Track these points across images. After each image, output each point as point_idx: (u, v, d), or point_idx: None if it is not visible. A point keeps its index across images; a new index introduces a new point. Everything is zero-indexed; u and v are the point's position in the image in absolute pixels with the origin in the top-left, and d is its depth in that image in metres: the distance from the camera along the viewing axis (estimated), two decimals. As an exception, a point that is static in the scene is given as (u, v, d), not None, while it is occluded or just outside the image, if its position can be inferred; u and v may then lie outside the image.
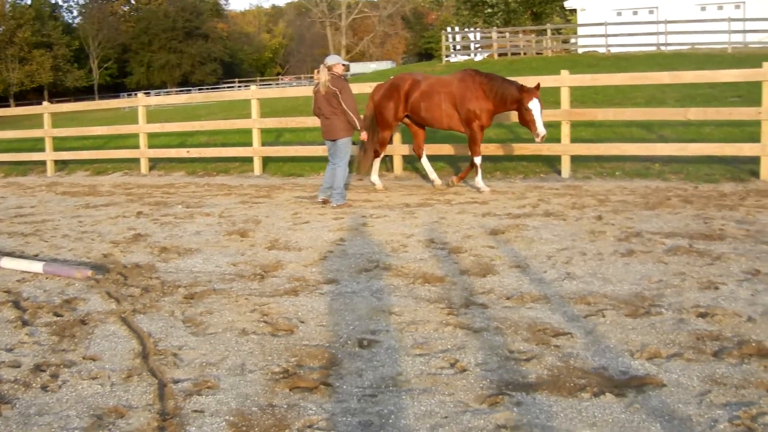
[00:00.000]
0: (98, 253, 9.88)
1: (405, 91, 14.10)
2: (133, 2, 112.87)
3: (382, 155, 14.87)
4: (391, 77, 15.06)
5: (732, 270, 7.72)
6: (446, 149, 15.94)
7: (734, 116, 14.65)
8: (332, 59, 13.33)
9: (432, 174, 14.63)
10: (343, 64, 13.47)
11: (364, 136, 13.74)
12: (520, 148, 15.14)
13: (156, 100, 26.15)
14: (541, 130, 12.70)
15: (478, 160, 13.69)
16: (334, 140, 13.14)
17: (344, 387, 5.18)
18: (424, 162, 14.69)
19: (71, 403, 5.09)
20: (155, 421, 4.76)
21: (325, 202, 13.16)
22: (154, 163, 20.72)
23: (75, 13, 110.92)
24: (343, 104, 12.89)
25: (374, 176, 14.80)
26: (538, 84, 12.99)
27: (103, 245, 10.44)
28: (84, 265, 8.98)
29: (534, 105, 12.70)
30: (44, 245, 10.67)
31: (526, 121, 12.93)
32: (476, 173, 13.77)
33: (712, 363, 5.31)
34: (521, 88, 12.90)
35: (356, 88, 18.60)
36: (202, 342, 6.22)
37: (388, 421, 4.65)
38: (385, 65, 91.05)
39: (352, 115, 12.91)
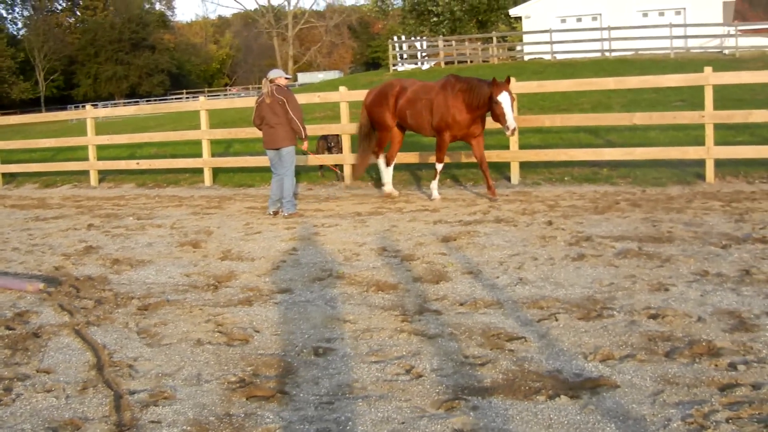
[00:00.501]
0: (50, 266, 9.82)
1: (394, 97, 14.06)
2: (78, 14, 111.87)
3: (393, 163, 14.82)
4: (383, 82, 15.16)
5: (681, 271, 7.86)
6: (410, 158, 15.98)
7: (678, 120, 14.89)
8: (274, 73, 13.35)
9: (387, 181, 14.72)
10: (286, 77, 13.45)
11: (305, 146, 13.78)
12: (469, 155, 15.24)
13: (104, 111, 25.90)
14: (511, 123, 12.53)
15: (439, 166, 13.79)
16: (277, 149, 13.10)
17: (301, 395, 5.21)
18: (389, 169, 14.69)
19: (26, 417, 5.07)
20: (112, 433, 4.76)
21: (275, 214, 13.13)
22: (104, 176, 20.56)
23: (20, 24, 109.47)
24: (290, 112, 12.90)
25: (388, 186, 14.73)
26: (509, 77, 12.99)
27: (54, 258, 10.38)
28: (35, 278, 8.92)
29: (504, 98, 12.47)
30: (-6, 259, 10.58)
31: (496, 115, 12.66)
32: (434, 178, 13.85)
33: (664, 363, 5.41)
34: (491, 83, 12.69)
35: (303, 98, 18.69)
36: (157, 353, 6.22)
37: (345, 428, 4.68)
38: (332, 75, 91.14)
39: (298, 122, 12.95)
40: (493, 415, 4.73)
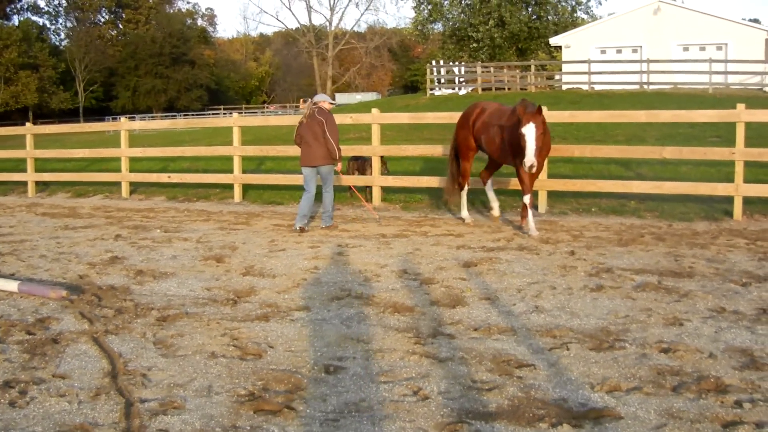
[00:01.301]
0: (74, 274, 9.96)
1: (472, 120, 13.53)
2: (120, 27, 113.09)
3: (466, 189, 14.17)
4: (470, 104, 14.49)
5: (698, 307, 7.85)
6: (432, 182, 16.00)
7: (709, 156, 14.85)
8: (319, 97, 13.86)
9: (493, 206, 13.98)
10: (330, 102, 13.93)
11: (339, 167, 14.06)
12: (498, 183, 15.27)
13: (139, 124, 26.21)
14: (529, 159, 11.69)
15: (526, 198, 12.73)
16: (314, 167, 13.48)
17: (308, 411, 5.27)
18: (488, 192, 14.13)
19: (38, 420, 5.17)
20: (120, 439, 4.85)
21: (302, 230, 13.34)
22: (135, 187, 20.76)
23: (62, 35, 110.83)
24: (327, 133, 13.25)
25: (464, 211, 14.22)
26: (539, 107, 11.99)
27: (79, 266, 10.52)
28: (59, 286, 9.05)
29: (528, 130, 11.71)
30: (21, 265, 10.73)
31: (520, 146, 11.93)
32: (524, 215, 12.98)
33: (671, 397, 5.43)
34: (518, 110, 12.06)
35: (337, 119, 18.82)
36: (171, 363, 6.31)
37: (348, 445, 4.74)
38: (370, 96, 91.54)
39: (333, 143, 13.29)
40: (494, 439, 4.78)
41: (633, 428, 4.93)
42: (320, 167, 13.55)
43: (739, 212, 13.59)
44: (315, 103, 13.65)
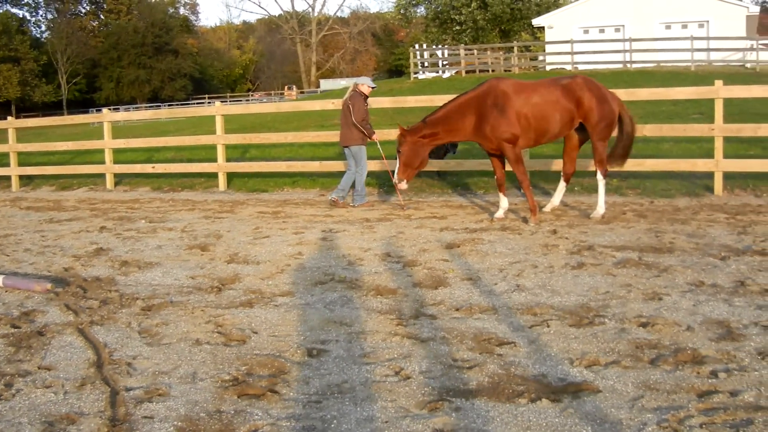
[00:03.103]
0: (59, 267, 9.99)
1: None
2: (101, 17, 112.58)
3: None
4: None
5: (677, 281, 7.95)
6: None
7: (689, 132, 14.97)
8: (361, 80, 14.90)
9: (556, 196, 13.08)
10: (370, 86, 14.65)
11: (376, 137, 14.56)
12: (480, 164, 15.34)
13: (122, 115, 26.11)
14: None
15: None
16: (346, 146, 14.59)
17: (291, 394, 5.34)
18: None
19: (24, 411, 5.22)
20: (105, 427, 4.90)
21: (334, 202, 14.47)
22: (120, 179, 20.78)
23: (43, 27, 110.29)
24: (352, 116, 14.13)
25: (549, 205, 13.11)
26: None
27: (64, 259, 10.55)
28: (44, 279, 9.09)
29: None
30: (6, 259, 10.76)
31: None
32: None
33: (648, 370, 5.51)
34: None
35: (318, 105, 18.89)
36: (156, 352, 6.36)
37: (330, 426, 4.81)
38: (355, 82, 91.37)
39: (359, 125, 14.17)
40: (474, 416, 4.85)
41: (610, 401, 5.01)
42: (351, 147, 14.47)
43: (720, 187, 13.72)
44: (356, 85, 14.60)
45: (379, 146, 14.72)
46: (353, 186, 14.73)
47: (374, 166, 15.63)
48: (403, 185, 12.61)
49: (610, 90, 12.57)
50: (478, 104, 11.98)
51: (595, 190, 13.57)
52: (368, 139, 14.44)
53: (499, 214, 12.38)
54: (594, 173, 12.32)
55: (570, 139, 12.41)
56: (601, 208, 12.00)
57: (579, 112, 11.88)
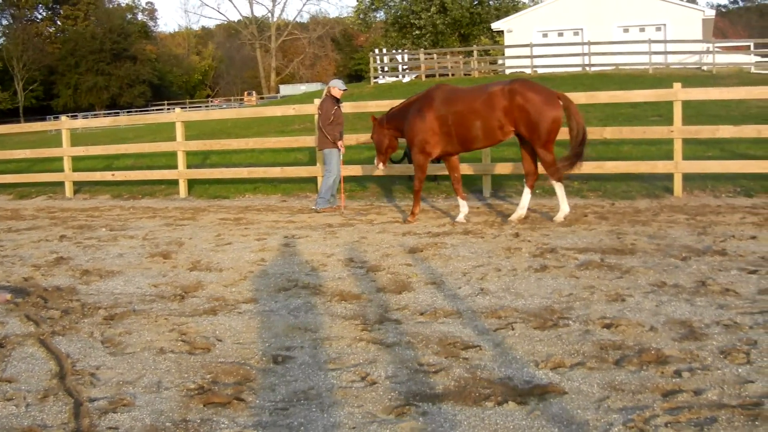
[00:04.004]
0: (19, 277, 9.87)
1: None
2: (58, 23, 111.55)
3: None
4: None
5: (639, 282, 8.01)
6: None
7: (648, 135, 15.09)
8: (332, 82, 14.95)
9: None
10: (340, 89, 14.61)
11: (340, 144, 14.57)
12: (442, 168, 15.38)
13: (81, 123, 25.89)
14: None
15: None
16: (320, 150, 14.80)
17: (257, 401, 5.31)
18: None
19: (-15, 424, 5.15)
20: (69, 439, 4.86)
21: (323, 211, 14.60)
22: (79, 187, 20.62)
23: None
24: (319, 121, 14.33)
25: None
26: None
27: (24, 269, 10.43)
28: (3, 289, 8.98)
29: None
30: (-36, 270, 10.63)
31: None
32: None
33: (613, 371, 5.54)
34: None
35: (279, 110, 18.83)
36: (119, 361, 6.30)
37: (297, 433, 4.80)
38: (315, 87, 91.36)
39: (323, 128, 14.28)
40: (441, 420, 4.85)
41: (576, 402, 5.03)
42: (323, 150, 14.64)
43: (679, 189, 13.86)
44: (328, 89, 14.65)
45: (341, 154, 14.62)
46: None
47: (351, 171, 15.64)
48: (380, 167, 13.33)
49: (565, 93, 12.48)
50: (411, 107, 12.53)
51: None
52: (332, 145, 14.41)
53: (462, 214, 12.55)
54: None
55: (522, 144, 12.38)
56: (562, 211, 12.03)
57: (507, 119, 11.81)
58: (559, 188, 12.06)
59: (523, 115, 11.67)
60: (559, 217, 11.98)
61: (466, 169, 14.86)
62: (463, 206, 12.50)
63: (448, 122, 12.03)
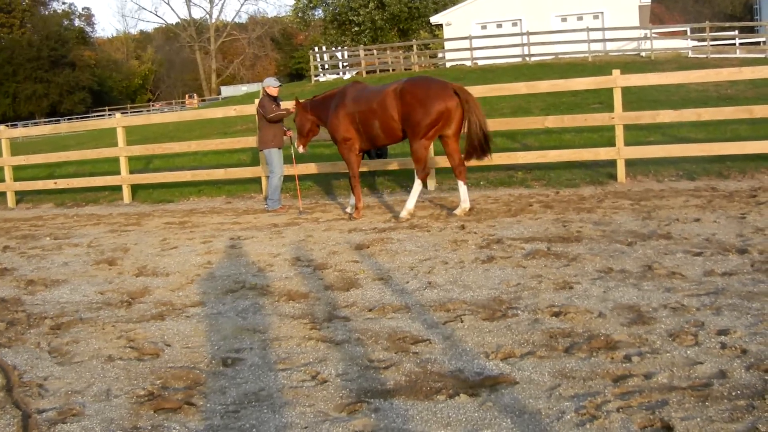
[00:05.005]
0: (-38, 290, 9.74)
1: None
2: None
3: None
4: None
5: (586, 269, 8.09)
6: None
7: (589, 122, 15.22)
8: (265, 81, 14.87)
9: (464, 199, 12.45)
10: (274, 86, 14.55)
11: (290, 133, 14.60)
12: (385, 163, 15.42)
13: (20, 131, 25.54)
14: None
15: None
16: (261, 150, 14.67)
17: (208, 405, 5.29)
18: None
19: (-69, 441, 5.08)
20: (18, 451, 4.80)
21: (276, 212, 14.53)
22: (21, 196, 20.36)
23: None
24: (264, 119, 14.22)
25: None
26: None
27: (-33, 282, 10.29)
28: (-54, 303, 8.86)
29: None
30: None
31: None
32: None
33: (563, 359, 5.60)
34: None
35: (220, 112, 18.75)
36: (67, 371, 6.24)
37: (249, 435, 4.79)
38: (256, 87, 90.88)
39: (275, 116, 14.20)
40: (393, 415, 4.87)
41: (528, 392, 5.07)
42: (263, 150, 14.57)
43: (623, 175, 13.99)
44: (264, 88, 14.59)
45: (293, 148, 14.39)
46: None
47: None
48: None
49: (468, 86, 12.41)
50: (330, 102, 12.84)
51: (501, 184, 13.78)
52: (282, 142, 14.41)
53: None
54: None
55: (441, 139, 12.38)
56: (463, 203, 12.28)
57: (398, 116, 12.00)
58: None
59: (409, 110, 11.84)
60: (459, 210, 12.23)
61: (408, 163, 14.88)
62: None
63: (356, 120, 12.40)
